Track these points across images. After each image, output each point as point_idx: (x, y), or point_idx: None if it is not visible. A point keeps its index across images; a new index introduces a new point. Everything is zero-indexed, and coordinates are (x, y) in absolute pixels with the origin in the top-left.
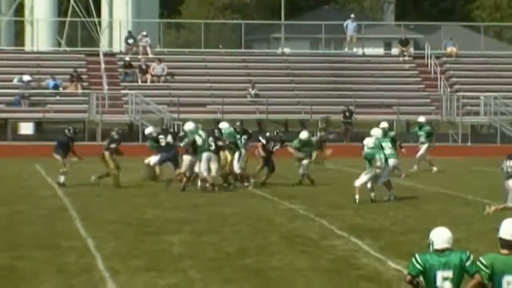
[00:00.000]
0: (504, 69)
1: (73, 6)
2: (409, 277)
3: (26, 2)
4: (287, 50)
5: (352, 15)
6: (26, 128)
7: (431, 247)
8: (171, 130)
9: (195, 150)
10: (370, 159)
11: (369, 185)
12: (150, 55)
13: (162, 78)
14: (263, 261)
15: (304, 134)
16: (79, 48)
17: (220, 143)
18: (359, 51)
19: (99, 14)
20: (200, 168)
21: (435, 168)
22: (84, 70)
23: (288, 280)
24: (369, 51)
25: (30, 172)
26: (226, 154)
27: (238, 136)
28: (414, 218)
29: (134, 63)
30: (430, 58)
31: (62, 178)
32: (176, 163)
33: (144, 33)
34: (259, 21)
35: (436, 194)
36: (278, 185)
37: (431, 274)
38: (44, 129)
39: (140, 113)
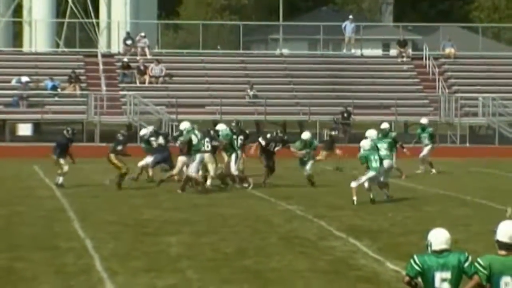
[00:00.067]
0: (502, 70)
1: (71, 7)
2: (407, 278)
3: (25, 3)
4: (285, 51)
5: (351, 16)
6: (25, 129)
7: (429, 248)
8: (162, 131)
9: (189, 149)
10: (365, 162)
11: (366, 185)
12: (148, 56)
13: (160, 79)
14: (262, 262)
15: (306, 135)
16: (77, 49)
17: (215, 143)
18: (358, 52)
19: (97, 15)
20: (190, 168)
21: (434, 171)
22: (82, 71)
23: (287, 281)
24: (367, 52)
25: (28, 173)
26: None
27: (234, 137)
28: (412, 219)
29: (132, 64)
30: (428, 59)
31: (60, 179)
32: (171, 164)
33: (143, 34)
34: (257, 22)
35: (435, 195)
36: (276, 186)
37: (429, 275)
38: (43, 130)
39: (138, 114)
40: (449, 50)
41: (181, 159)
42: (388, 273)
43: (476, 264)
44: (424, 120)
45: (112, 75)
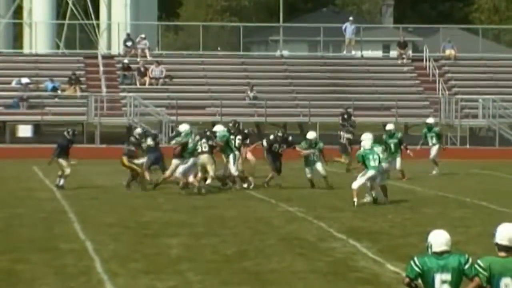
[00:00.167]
0: (503, 72)
1: (71, 9)
2: (407, 280)
3: (25, 5)
4: (285, 52)
5: (351, 18)
6: (25, 131)
7: (429, 249)
8: (151, 132)
9: (183, 152)
10: (362, 160)
11: (368, 184)
12: (149, 58)
13: (161, 81)
14: (262, 264)
15: (311, 134)
16: (77, 51)
17: (211, 142)
18: (358, 53)
19: (97, 17)
20: (179, 169)
21: (434, 172)
22: (82, 72)
23: (287, 283)
24: (367, 53)
25: (28, 174)
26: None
27: (232, 137)
28: (412, 221)
29: (132, 66)
30: (429, 60)
31: (61, 181)
32: (163, 166)
33: (143, 35)
34: (258, 23)
35: (434, 197)
36: (276, 187)
37: (429, 277)
38: (43, 132)
39: (138, 115)
40: (449, 52)
41: (174, 161)
42: (388, 274)
43: (476, 266)
44: (430, 120)
45: (112, 77)
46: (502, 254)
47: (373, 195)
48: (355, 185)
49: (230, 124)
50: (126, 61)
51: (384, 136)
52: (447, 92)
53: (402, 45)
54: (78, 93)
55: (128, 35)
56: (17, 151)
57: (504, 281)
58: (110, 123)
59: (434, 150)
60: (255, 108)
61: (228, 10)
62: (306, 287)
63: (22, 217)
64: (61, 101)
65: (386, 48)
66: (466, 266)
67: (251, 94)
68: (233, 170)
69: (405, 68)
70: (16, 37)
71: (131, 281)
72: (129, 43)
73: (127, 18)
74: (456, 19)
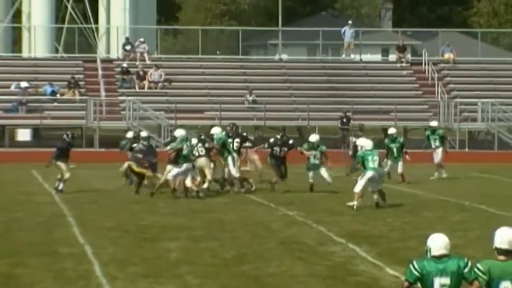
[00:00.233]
0: (502, 75)
1: (70, 13)
2: (406, 284)
3: (24, 9)
4: (284, 56)
5: (350, 22)
6: (24, 135)
7: (428, 253)
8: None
9: (177, 157)
10: (362, 161)
11: (370, 189)
12: (148, 62)
13: (160, 85)
14: (261, 268)
15: (314, 137)
16: (76, 55)
17: (206, 145)
18: (357, 57)
19: (96, 21)
20: (172, 171)
21: (436, 174)
22: (81, 76)
23: (286, 287)
24: (366, 57)
25: (28, 178)
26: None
27: (230, 140)
28: (411, 225)
29: (131, 70)
30: (428, 64)
31: (61, 185)
32: (155, 169)
33: (142, 39)
34: (257, 27)
35: (433, 200)
36: (275, 191)
37: (428, 281)
38: (42, 136)
39: (137, 119)
40: (448, 55)
41: (169, 167)
42: (387, 278)
43: (476, 270)
44: (433, 123)
45: (111, 81)
46: (502, 257)
47: (375, 197)
48: (357, 188)
49: (228, 128)
50: (125, 65)
51: (386, 141)
52: (446, 96)
53: (401, 49)
54: (77, 97)
55: (127, 39)
56: (16, 155)
57: (504, 284)
58: (109, 127)
59: (438, 154)
60: (254, 112)
61: (227, 14)
62: None
63: (21, 221)
64: (60, 105)
65: (385, 51)
66: (465, 270)
67: (250, 98)
68: (234, 171)
69: (404, 72)
70: (15, 41)
71: (130, 285)
72: (128, 47)
73: (126, 22)
74: (455, 23)
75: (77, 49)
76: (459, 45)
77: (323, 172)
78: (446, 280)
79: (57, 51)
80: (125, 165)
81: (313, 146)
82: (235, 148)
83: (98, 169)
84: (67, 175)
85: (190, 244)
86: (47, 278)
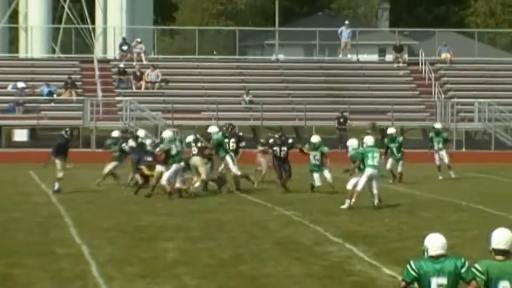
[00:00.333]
0: (498, 75)
1: (67, 13)
2: (403, 284)
3: (21, 9)
4: (281, 56)
5: (347, 22)
6: (20, 135)
7: (425, 253)
8: (131, 135)
9: (167, 159)
10: (361, 159)
11: (374, 191)
12: (145, 62)
13: (157, 85)
14: (258, 268)
15: (315, 138)
16: (73, 55)
17: (199, 144)
18: (354, 57)
19: (93, 21)
20: (164, 175)
21: (440, 177)
22: (78, 76)
23: (283, 287)
24: (363, 57)
25: (25, 179)
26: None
27: (226, 140)
28: (408, 225)
29: (128, 70)
30: (425, 64)
31: (56, 185)
32: (136, 168)
33: (139, 39)
34: (253, 27)
35: (431, 200)
36: (272, 191)
37: (425, 281)
38: (38, 136)
39: (134, 119)
40: (445, 55)
41: (158, 168)
42: (384, 278)
43: (474, 270)
44: (437, 125)
45: (108, 81)
46: (500, 257)
47: (376, 203)
48: (359, 186)
49: (224, 128)
50: (122, 65)
51: (385, 140)
52: (443, 96)
53: (398, 49)
54: (74, 97)
55: (124, 39)
56: (13, 156)
57: (502, 284)
58: (106, 127)
59: (444, 156)
60: (251, 112)
61: (224, 14)
62: None
63: (18, 221)
64: (57, 106)
65: (382, 52)
66: (463, 270)
67: (247, 98)
68: (235, 170)
69: (401, 72)
70: (12, 41)
71: (127, 285)
72: (125, 47)
73: (123, 22)
74: (452, 23)
75: (74, 49)
76: (456, 45)
77: (326, 173)
78: (443, 280)
79: (54, 51)
80: (110, 165)
81: (314, 147)
82: (231, 148)
83: (95, 169)
84: (60, 174)
85: (187, 245)
86: (44, 279)
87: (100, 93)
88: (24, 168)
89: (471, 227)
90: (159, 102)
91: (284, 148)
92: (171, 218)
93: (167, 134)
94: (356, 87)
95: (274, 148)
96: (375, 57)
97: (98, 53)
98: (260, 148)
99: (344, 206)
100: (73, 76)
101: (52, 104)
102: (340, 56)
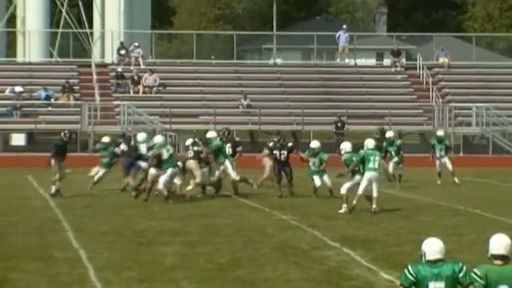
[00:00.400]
0: (496, 80)
1: (65, 17)
2: None
3: (18, 13)
4: (279, 60)
5: (344, 26)
6: (18, 139)
7: (423, 258)
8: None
9: (159, 163)
10: (348, 164)
11: (374, 194)
12: (142, 66)
13: (154, 89)
14: (256, 272)
15: (315, 143)
16: (71, 59)
17: (196, 148)
18: (351, 62)
19: (91, 25)
20: (160, 179)
21: (439, 182)
22: (76, 81)
23: None
24: (361, 62)
25: (23, 183)
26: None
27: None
28: (406, 229)
29: (126, 74)
30: (422, 68)
31: (53, 188)
32: (127, 172)
33: (136, 44)
34: (251, 32)
35: (428, 205)
36: (270, 196)
37: (423, 285)
38: (36, 140)
39: (132, 124)
40: (443, 60)
41: (152, 171)
42: (382, 283)
43: (473, 274)
44: (440, 132)
45: (106, 85)
46: (498, 262)
47: (373, 208)
48: (360, 190)
49: (221, 132)
50: (119, 69)
51: (384, 144)
52: (440, 100)
53: (396, 53)
54: (72, 102)
55: (121, 43)
56: (10, 160)
57: None
58: (104, 132)
59: (447, 163)
60: (248, 116)
61: (222, 18)
62: None
63: (16, 225)
64: (55, 110)
65: (380, 56)
66: (460, 275)
67: (245, 102)
68: (234, 175)
69: (399, 76)
70: (10, 45)
71: None
72: (122, 52)
73: (121, 26)
74: (450, 27)
75: (71, 53)
76: (454, 50)
77: (326, 178)
78: (441, 285)
79: (51, 55)
80: (100, 172)
81: (313, 153)
82: (227, 152)
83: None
84: (56, 176)
85: (185, 249)
86: (42, 283)
87: (97, 98)
88: (22, 173)
89: (468, 231)
90: (157, 106)
91: (284, 152)
92: (169, 222)
93: (158, 139)
94: (354, 92)
95: (274, 152)
96: (373, 61)
97: (96, 57)
98: (266, 151)
99: (342, 211)
100: (70, 80)
101: (50, 108)
102: (338, 60)
